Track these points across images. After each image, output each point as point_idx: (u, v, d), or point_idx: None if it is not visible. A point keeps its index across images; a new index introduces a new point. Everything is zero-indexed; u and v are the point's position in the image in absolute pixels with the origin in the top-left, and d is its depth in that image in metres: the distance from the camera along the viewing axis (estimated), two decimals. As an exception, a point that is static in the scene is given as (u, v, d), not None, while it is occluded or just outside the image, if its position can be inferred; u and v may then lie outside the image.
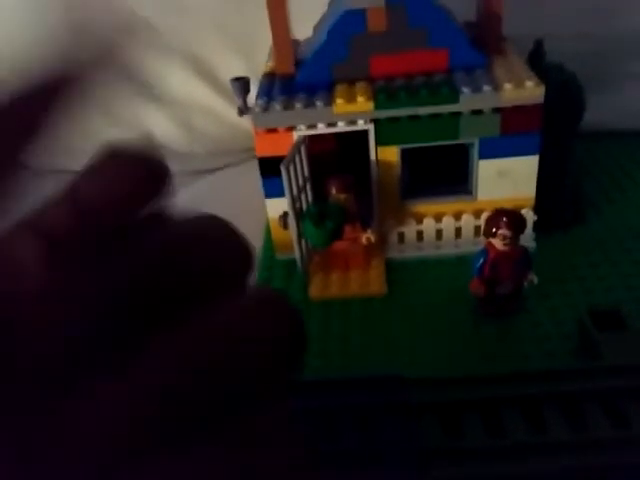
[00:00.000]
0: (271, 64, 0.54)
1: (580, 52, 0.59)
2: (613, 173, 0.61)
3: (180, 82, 0.67)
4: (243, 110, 0.51)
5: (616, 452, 0.33)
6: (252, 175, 0.56)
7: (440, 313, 0.47)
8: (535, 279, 0.44)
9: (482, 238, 0.50)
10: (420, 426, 0.36)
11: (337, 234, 0.47)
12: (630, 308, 0.42)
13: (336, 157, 0.56)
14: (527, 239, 0.49)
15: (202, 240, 0.14)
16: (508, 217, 0.42)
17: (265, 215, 0.56)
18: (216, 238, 0.14)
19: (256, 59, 0.60)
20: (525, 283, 0.44)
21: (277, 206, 0.50)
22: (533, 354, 0.42)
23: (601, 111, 0.61)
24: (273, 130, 0.48)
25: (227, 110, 0.68)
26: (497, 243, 0.43)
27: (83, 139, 0.72)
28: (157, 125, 0.68)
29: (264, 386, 0.13)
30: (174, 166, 0.20)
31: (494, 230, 0.42)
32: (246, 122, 0.68)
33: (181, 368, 0.12)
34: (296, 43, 0.55)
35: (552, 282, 0.48)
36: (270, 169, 0.48)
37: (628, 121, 0.65)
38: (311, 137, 0.49)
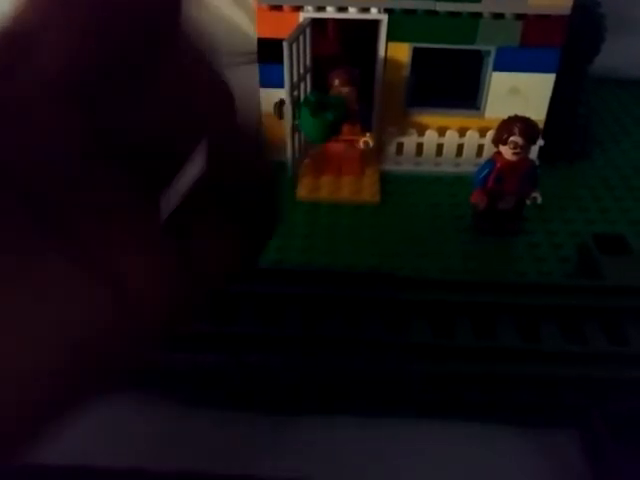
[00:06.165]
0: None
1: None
2: (621, 117, 0.59)
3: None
4: (246, -9, 0.47)
5: (610, 366, 0.31)
6: (245, 80, 0.52)
7: (434, 226, 0.44)
8: (539, 198, 0.42)
9: (484, 158, 0.47)
10: (409, 324, 0.33)
11: (335, 130, 0.44)
12: (632, 241, 0.40)
13: (338, 61, 0.52)
14: (531, 163, 0.46)
15: None
16: (522, 124, 0.39)
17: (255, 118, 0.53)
18: None
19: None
20: (528, 201, 0.42)
21: (272, 98, 0.46)
22: (529, 272, 0.40)
23: (616, 55, 0.58)
24: (278, 8, 0.44)
25: (226, 8, 0.63)
26: (506, 152, 0.40)
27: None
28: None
29: None
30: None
31: (505, 136, 0.39)
32: (244, 22, 0.64)
33: None
34: None
35: (554, 209, 0.45)
36: (269, 53, 0.45)
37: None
38: (315, 39, 0.45)
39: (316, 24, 0.45)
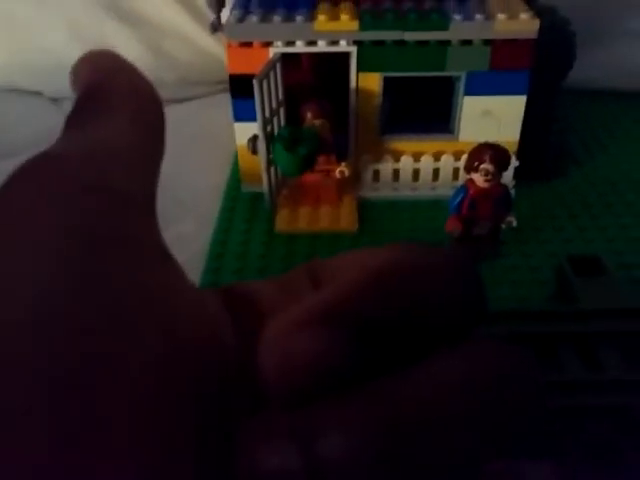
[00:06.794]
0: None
1: (574, 3, 0.56)
2: (596, 130, 0.59)
3: (153, 1, 0.63)
4: (216, 26, 0.47)
5: (587, 393, 0.31)
6: (222, 109, 0.52)
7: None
8: (514, 221, 0.42)
9: (460, 182, 0.48)
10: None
11: (310, 162, 0.44)
12: (609, 260, 0.41)
13: (312, 91, 0.52)
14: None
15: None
16: (492, 151, 0.39)
17: (233, 148, 0.53)
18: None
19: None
20: (503, 225, 0.42)
21: (247, 131, 0.47)
22: (507, 297, 0.40)
23: (590, 67, 0.59)
24: (248, 44, 0.44)
25: (201, 37, 0.64)
26: (478, 179, 0.40)
27: (45, 57, 0.66)
28: (124, 46, 0.63)
29: None
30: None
31: (476, 164, 0.40)
32: (219, 50, 0.64)
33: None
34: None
35: (530, 230, 0.46)
36: (241, 89, 0.45)
37: (617, 80, 0.63)
38: (287, 68, 0.45)
39: (289, 56, 0.45)
